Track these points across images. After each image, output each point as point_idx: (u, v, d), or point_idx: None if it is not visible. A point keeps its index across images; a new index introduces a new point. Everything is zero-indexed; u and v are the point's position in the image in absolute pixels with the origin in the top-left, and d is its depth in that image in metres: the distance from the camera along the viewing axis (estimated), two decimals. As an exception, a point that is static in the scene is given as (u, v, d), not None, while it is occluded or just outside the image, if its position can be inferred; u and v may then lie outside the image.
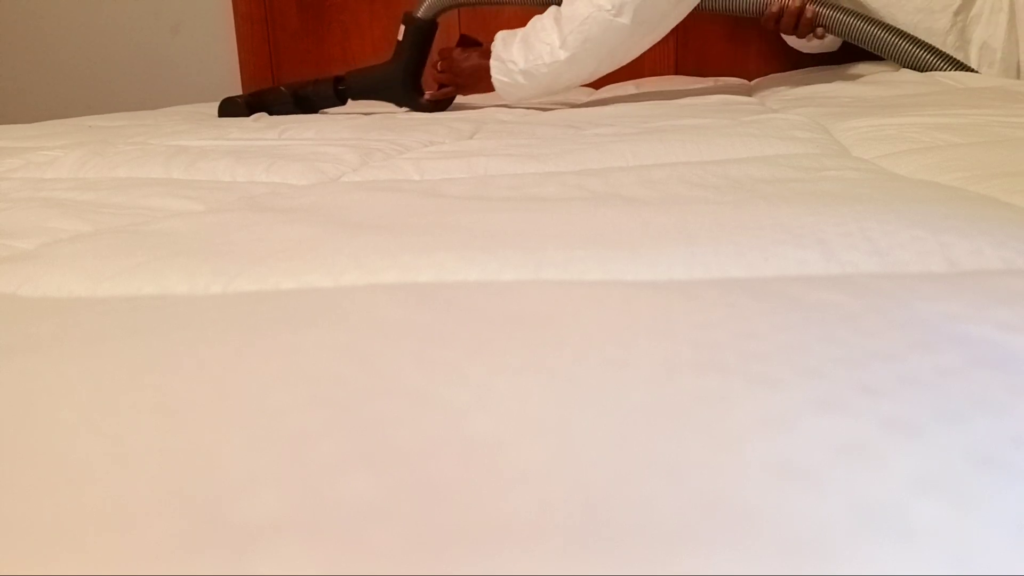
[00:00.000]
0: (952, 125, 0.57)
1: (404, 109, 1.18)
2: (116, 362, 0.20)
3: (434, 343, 0.20)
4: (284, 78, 1.82)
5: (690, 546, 0.12)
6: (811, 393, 0.16)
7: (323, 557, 0.12)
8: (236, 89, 1.82)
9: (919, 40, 1.09)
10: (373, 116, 1.06)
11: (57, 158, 0.67)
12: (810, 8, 1.11)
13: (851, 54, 1.37)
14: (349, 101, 1.19)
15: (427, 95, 1.17)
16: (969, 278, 0.24)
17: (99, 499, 0.13)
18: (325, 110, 1.20)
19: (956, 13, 1.08)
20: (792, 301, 0.22)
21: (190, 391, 0.17)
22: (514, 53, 1.03)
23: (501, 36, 1.07)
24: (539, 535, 0.12)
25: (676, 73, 1.54)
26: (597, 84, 1.50)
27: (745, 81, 1.44)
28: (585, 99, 1.26)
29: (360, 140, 0.74)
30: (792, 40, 1.31)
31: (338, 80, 1.17)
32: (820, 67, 1.33)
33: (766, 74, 1.43)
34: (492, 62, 1.06)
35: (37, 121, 1.13)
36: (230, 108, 1.20)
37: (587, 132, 0.72)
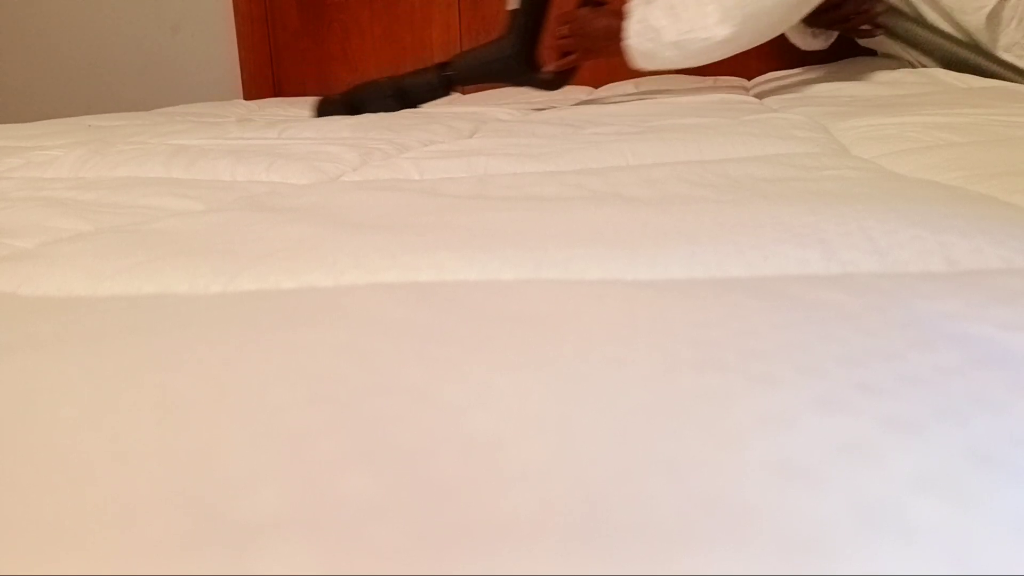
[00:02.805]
0: (952, 124, 0.57)
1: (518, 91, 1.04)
2: (116, 361, 0.20)
3: (434, 342, 0.20)
4: (284, 78, 1.83)
5: (690, 545, 0.12)
6: (811, 392, 0.16)
7: (323, 555, 0.12)
8: (236, 89, 1.82)
9: (982, 49, 1.04)
10: (372, 116, 1.06)
11: (57, 157, 0.67)
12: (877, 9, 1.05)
13: (851, 54, 1.37)
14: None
15: (549, 67, 1.02)
16: (969, 277, 0.24)
17: (99, 497, 0.13)
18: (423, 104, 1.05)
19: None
20: (792, 300, 0.22)
21: (190, 389, 0.17)
22: (659, 19, 0.89)
23: None
24: (539, 534, 0.12)
25: (676, 73, 1.55)
26: (596, 84, 1.50)
27: (745, 81, 1.44)
28: (585, 99, 1.26)
29: (360, 139, 0.74)
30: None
31: (442, 66, 1.04)
32: (820, 66, 1.33)
33: (766, 74, 1.43)
34: (633, 25, 0.92)
35: (37, 121, 1.13)
36: (327, 108, 1.08)
37: (587, 131, 0.72)
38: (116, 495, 0.13)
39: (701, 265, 0.26)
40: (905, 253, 0.26)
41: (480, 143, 0.68)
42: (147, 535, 0.12)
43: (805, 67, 1.38)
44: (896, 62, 1.20)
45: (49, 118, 1.19)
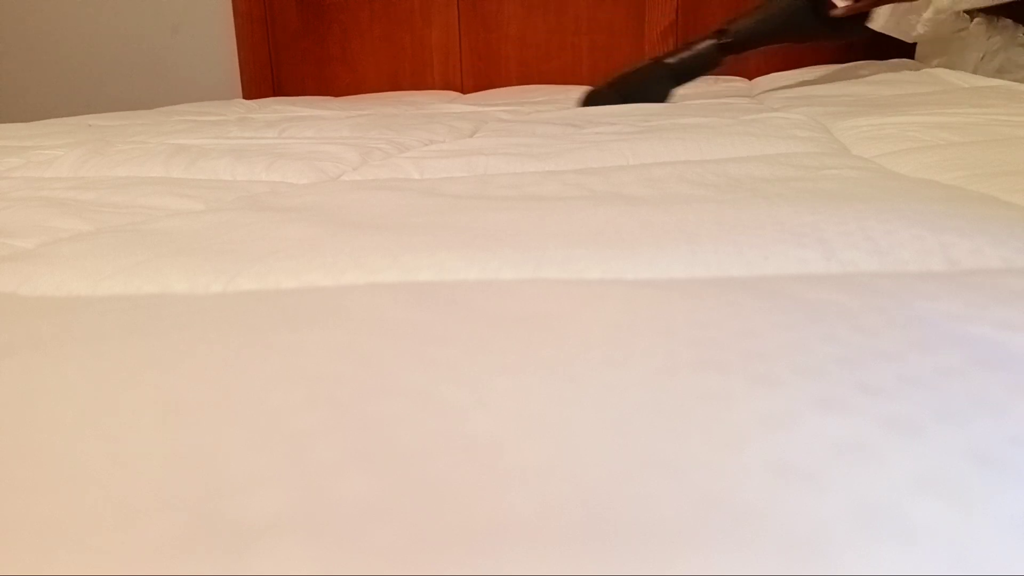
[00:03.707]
0: (952, 124, 0.57)
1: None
2: (116, 361, 0.20)
3: (434, 342, 0.20)
4: (284, 78, 1.82)
5: (690, 546, 0.12)
6: (811, 392, 0.16)
7: (323, 556, 0.12)
8: (236, 89, 1.82)
9: None
10: (373, 115, 1.05)
11: (57, 157, 0.67)
12: None
13: (850, 54, 1.37)
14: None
15: (836, 12, 0.93)
16: (969, 277, 0.24)
17: (98, 498, 0.13)
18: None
19: None
20: (792, 300, 0.22)
21: (190, 390, 0.17)
22: None
23: None
24: (539, 534, 0.12)
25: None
26: (596, 84, 1.50)
27: (745, 80, 1.44)
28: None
29: (360, 139, 0.74)
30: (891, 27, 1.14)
31: (717, 35, 0.97)
32: (820, 66, 1.34)
33: (766, 74, 1.43)
34: None
35: (37, 121, 1.13)
36: (597, 99, 1.02)
37: (587, 131, 0.72)
38: (115, 495, 0.13)
39: (701, 265, 0.26)
40: (905, 253, 0.26)
41: (480, 143, 0.68)
42: (146, 535, 0.12)
43: (806, 67, 1.38)
44: (895, 63, 1.20)
45: (49, 118, 1.19)
